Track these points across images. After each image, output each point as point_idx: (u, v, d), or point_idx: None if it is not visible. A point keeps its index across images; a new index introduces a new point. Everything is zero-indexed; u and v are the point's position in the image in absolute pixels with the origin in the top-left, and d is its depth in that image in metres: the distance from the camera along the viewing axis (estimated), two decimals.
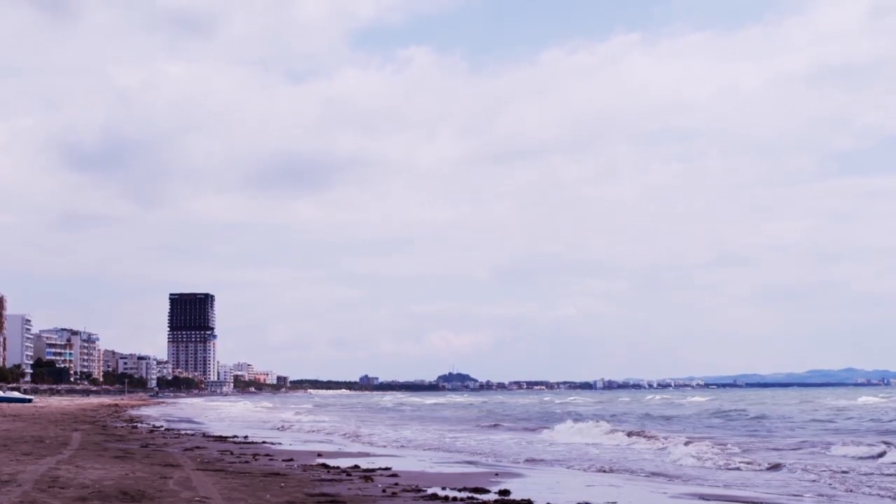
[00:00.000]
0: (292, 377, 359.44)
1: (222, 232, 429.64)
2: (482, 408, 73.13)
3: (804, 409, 58.78)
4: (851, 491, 15.63)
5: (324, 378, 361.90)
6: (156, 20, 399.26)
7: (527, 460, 22.20)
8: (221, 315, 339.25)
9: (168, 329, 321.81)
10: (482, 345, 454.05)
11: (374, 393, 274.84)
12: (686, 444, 25.17)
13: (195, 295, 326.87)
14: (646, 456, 23.52)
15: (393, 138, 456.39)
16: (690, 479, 17.95)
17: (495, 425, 42.37)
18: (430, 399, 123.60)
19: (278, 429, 39.54)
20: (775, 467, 19.58)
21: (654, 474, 18.75)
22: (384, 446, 27.23)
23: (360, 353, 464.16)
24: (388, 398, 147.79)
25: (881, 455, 21.21)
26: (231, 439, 28.34)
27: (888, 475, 17.80)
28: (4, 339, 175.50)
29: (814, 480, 17.15)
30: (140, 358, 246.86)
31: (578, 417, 42.48)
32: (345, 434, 34.65)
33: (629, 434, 29.67)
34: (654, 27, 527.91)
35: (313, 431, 37.12)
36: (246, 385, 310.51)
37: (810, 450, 24.64)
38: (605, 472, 19.22)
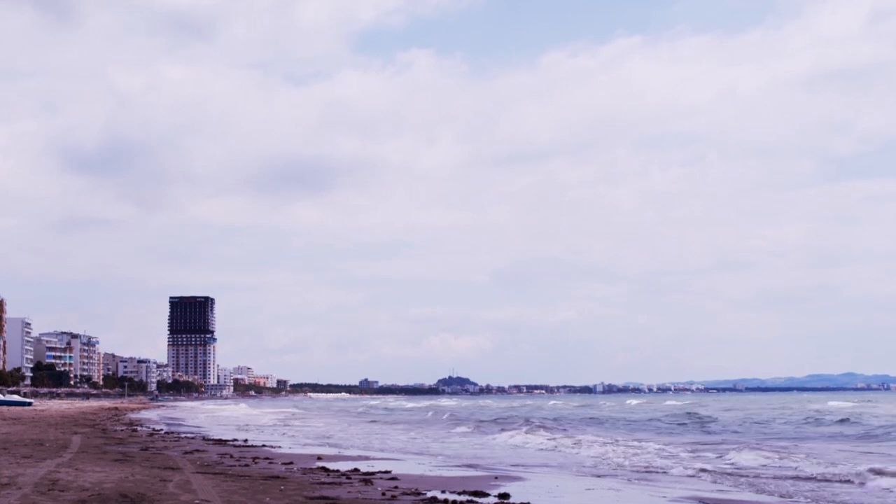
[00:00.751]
0: (292, 381, 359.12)
1: (222, 235, 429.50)
2: (463, 412, 74.60)
3: (761, 414, 59.36)
4: (717, 483, 16.31)
5: (324, 382, 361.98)
6: (157, 23, 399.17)
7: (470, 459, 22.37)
8: (221, 318, 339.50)
9: (168, 332, 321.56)
10: (482, 349, 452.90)
11: (371, 397, 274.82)
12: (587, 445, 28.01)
13: (195, 298, 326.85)
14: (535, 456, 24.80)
15: (393, 141, 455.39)
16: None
17: (462, 428, 43.97)
18: (412, 403, 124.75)
19: (243, 429, 41.98)
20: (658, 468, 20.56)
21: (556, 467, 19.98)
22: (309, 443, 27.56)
23: (361, 357, 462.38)
24: (375, 402, 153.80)
25: (780, 461, 21.49)
26: (231, 442, 28.38)
27: (770, 478, 18.01)
28: (4, 342, 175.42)
29: (691, 475, 18.04)
30: (140, 361, 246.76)
31: (531, 422, 46.86)
32: (306, 435, 37.81)
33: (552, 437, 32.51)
34: (655, 31, 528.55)
35: (279, 434, 37.82)
36: (246, 389, 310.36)
37: (707, 453, 25.04)
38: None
